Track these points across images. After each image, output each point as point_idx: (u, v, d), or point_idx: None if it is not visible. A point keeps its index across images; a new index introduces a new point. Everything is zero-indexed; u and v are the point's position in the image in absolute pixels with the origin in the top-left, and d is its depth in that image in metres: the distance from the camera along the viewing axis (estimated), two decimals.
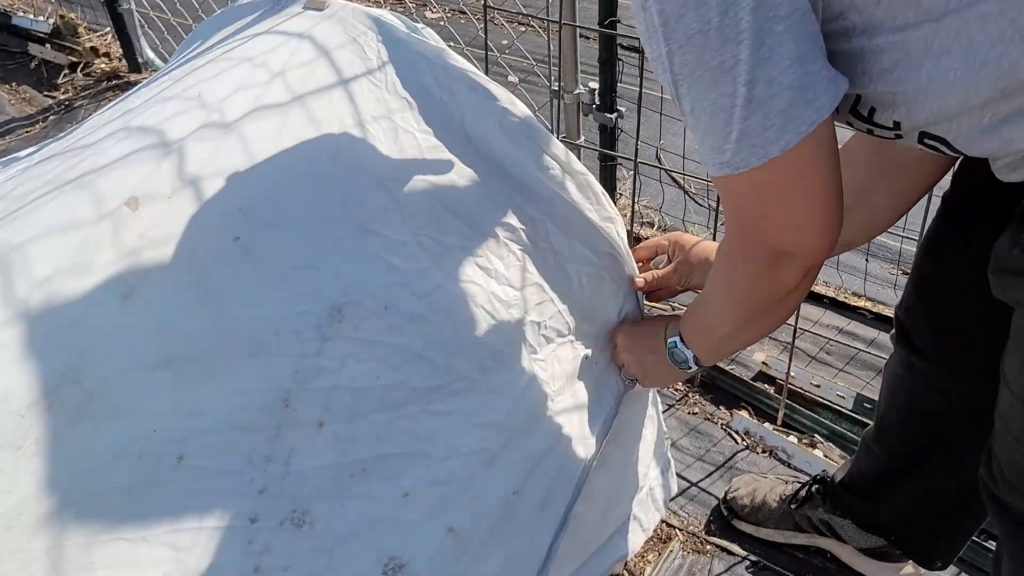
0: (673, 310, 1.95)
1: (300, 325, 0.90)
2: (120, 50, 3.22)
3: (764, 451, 1.67)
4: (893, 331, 1.20)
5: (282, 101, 0.99)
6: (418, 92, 1.04)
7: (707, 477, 1.63)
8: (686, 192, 2.46)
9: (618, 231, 1.12)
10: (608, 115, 2.04)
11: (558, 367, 1.09)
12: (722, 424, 1.74)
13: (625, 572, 1.43)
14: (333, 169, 0.96)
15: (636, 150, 1.75)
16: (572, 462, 1.11)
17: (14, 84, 3.29)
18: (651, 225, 2.33)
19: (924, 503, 1.27)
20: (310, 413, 0.90)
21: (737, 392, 1.82)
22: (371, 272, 0.94)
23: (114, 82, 3.23)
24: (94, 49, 3.31)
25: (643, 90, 1.66)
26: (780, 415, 1.72)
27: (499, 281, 1.02)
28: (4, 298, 0.83)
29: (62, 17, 3.38)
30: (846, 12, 0.72)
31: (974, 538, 1.40)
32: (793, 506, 1.44)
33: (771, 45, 0.67)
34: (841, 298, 2.06)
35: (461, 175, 1.02)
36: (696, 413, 1.77)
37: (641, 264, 1.22)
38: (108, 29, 3.29)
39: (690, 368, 1.07)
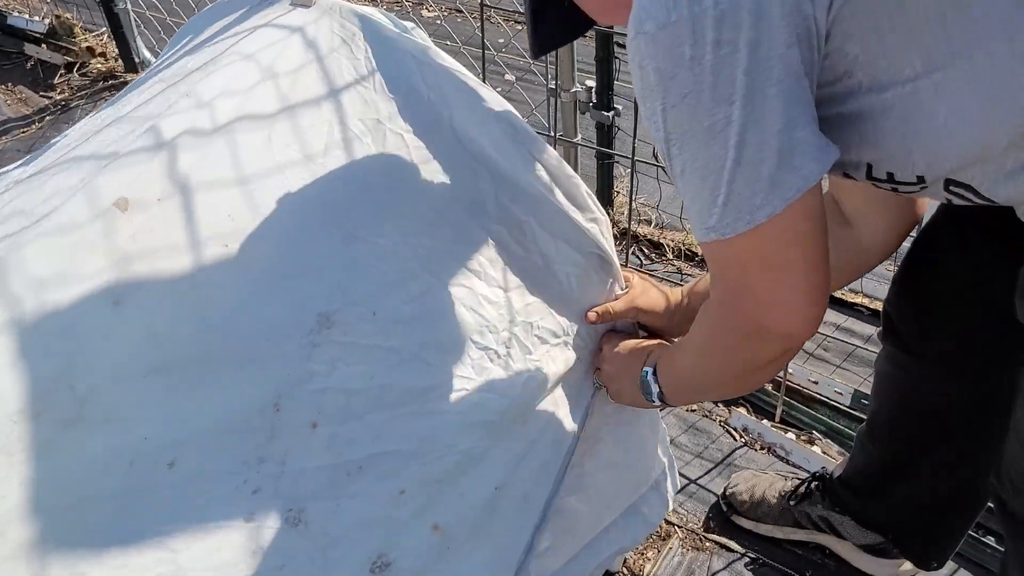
0: None
1: (289, 332, 0.90)
2: (116, 50, 3.21)
3: (762, 448, 1.67)
4: (880, 328, 1.20)
5: (269, 104, 0.99)
6: (406, 92, 1.03)
7: (706, 474, 1.63)
8: None
9: (603, 232, 1.11)
10: (605, 113, 2.04)
11: (552, 367, 1.09)
12: (720, 421, 1.74)
13: (624, 570, 1.43)
14: (320, 175, 0.96)
15: (633, 148, 1.75)
16: (554, 456, 1.12)
17: (10, 85, 3.28)
18: (648, 223, 2.33)
19: (918, 502, 1.27)
20: (303, 416, 0.90)
21: None
22: (359, 278, 0.94)
23: (110, 82, 3.23)
24: (90, 49, 3.31)
25: None
26: (778, 412, 1.72)
27: (488, 283, 1.02)
28: None
29: (58, 17, 3.37)
30: (851, 70, 0.72)
31: (973, 534, 1.40)
32: (792, 502, 1.44)
33: (762, 108, 0.68)
34: (838, 295, 2.05)
35: (450, 177, 1.02)
36: (694, 410, 1.77)
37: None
38: (104, 29, 3.28)
39: (654, 403, 1.06)
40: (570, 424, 1.13)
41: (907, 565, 1.38)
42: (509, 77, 2.92)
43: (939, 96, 0.70)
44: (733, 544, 1.48)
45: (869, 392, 1.30)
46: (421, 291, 0.97)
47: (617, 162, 2.27)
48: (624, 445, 1.21)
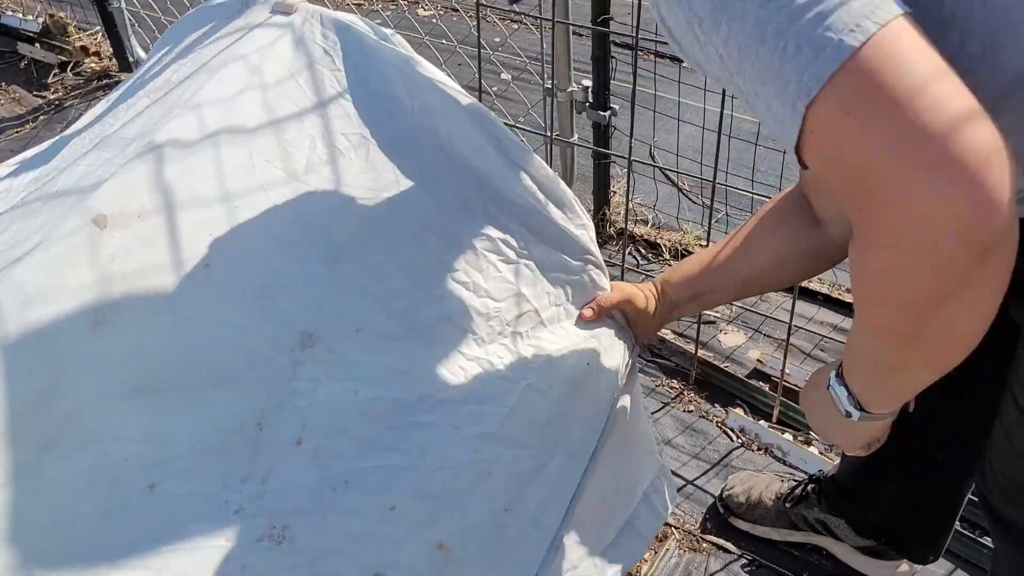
0: None
1: (271, 351, 0.89)
2: (110, 49, 3.20)
3: (759, 448, 1.67)
4: None
5: (251, 118, 0.98)
6: (389, 103, 1.02)
7: (703, 475, 1.62)
8: (680, 190, 2.44)
9: (591, 237, 1.10)
10: (602, 113, 2.03)
11: (555, 376, 1.07)
12: (717, 422, 1.73)
13: None
14: (303, 192, 0.95)
15: (630, 148, 1.74)
16: (567, 478, 1.06)
17: (3, 84, 3.27)
18: (645, 223, 2.32)
19: (909, 505, 1.26)
20: (286, 433, 0.89)
21: (732, 390, 1.80)
22: (341, 296, 0.93)
23: (104, 81, 3.21)
24: (84, 48, 3.29)
25: (636, 87, 1.64)
26: (775, 412, 1.71)
27: (478, 294, 1.01)
28: None
29: (51, 16, 3.35)
30: None
31: (968, 533, 1.41)
32: (789, 505, 1.43)
33: None
34: (835, 295, 2.04)
35: (435, 188, 1.01)
36: (691, 411, 1.76)
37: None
38: (98, 28, 3.27)
39: (849, 415, 0.82)
40: (585, 442, 1.09)
41: (904, 566, 1.38)
42: (505, 76, 2.91)
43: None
44: (730, 545, 1.48)
45: None
46: (407, 305, 0.96)
47: (614, 162, 2.26)
48: (617, 459, 1.19)
